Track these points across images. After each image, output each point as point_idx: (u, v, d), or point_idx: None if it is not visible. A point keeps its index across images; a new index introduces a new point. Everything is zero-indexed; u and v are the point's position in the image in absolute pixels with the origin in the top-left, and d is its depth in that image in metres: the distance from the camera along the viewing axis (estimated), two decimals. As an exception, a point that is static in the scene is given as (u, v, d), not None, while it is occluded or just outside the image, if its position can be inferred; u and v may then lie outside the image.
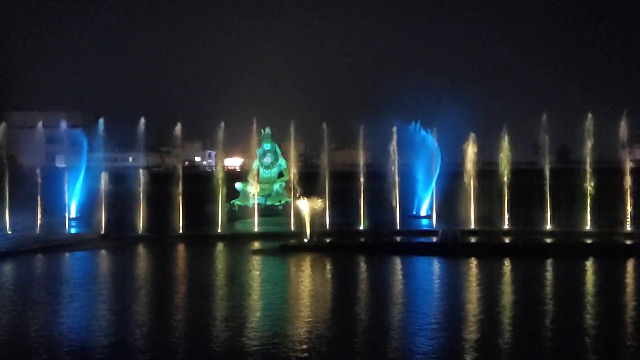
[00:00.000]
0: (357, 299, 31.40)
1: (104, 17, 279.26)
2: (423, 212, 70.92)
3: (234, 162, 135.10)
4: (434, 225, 59.66)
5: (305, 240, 49.07)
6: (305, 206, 50.04)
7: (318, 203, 50.70)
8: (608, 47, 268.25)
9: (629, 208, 57.12)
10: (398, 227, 58.84)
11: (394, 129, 65.40)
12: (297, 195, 56.78)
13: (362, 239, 53.60)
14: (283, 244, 48.52)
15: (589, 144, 60.45)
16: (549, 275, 39.26)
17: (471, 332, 24.98)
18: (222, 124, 65.15)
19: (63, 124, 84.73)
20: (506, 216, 58.77)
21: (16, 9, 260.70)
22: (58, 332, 25.11)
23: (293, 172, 61.25)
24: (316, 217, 51.11)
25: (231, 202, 72.28)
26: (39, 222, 57.84)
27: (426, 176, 70.42)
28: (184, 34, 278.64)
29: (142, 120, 67.73)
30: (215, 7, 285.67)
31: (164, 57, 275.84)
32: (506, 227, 57.64)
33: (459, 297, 31.50)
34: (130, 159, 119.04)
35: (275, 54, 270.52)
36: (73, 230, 60.15)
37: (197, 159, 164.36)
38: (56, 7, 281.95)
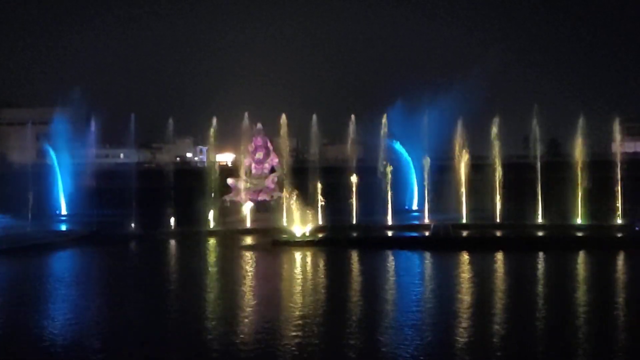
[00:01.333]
0: (348, 295, 31.42)
1: (94, 14, 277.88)
2: (414, 206, 71.20)
3: (226, 158, 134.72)
4: (426, 219, 59.77)
5: (297, 235, 49.16)
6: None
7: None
8: (598, 40, 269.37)
9: (619, 200, 57.51)
10: (390, 222, 58.99)
11: (384, 119, 65.68)
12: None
13: (354, 234, 53.71)
14: (275, 239, 48.58)
15: (579, 137, 60.84)
16: (540, 268, 39.53)
17: (461, 327, 25.08)
18: (214, 120, 65.13)
19: (54, 121, 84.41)
20: (498, 210, 59.03)
21: (6, 5, 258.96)
22: (42, 334, 24.78)
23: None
24: (308, 212, 51.20)
25: (223, 197, 72.21)
26: (30, 219, 57.62)
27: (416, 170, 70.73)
28: (175, 31, 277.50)
29: (133, 116, 67.67)
30: (206, 4, 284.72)
31: (154, 54, 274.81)
32: (498, 220, 57.93)
33: (449, 291, 31.58)
34: (122, 155, 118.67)
35: (266, 49, 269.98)
36: (64, 228, 59.94)
37: (189, 154, 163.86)
38: (46, 4, 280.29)
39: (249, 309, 28.32)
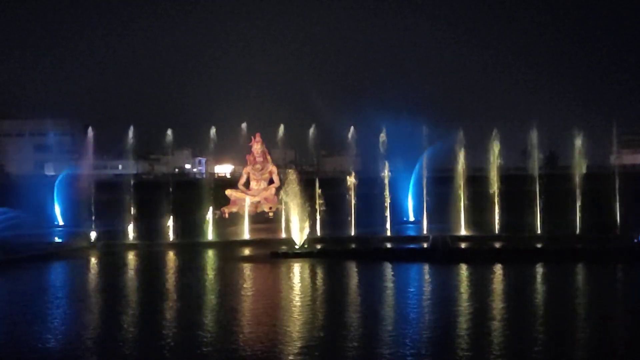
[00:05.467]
0: (347, 308, 31.27)
1: (92, 25, 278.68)
2: (412, 218, 71.11)
3: (224, 169, 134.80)
4: (425, 231, 59.61)
5: (296, 246, 49.04)
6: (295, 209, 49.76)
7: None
8: (598, 53, 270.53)
9: (618, 213, 57.42)
10: (388, 233, 58.87)
11: (383, 133, 65.76)
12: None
13: (353, 245, 53.56)
14: (274, 250, 48.43)
15: (577, 149, 60.87)
16: (539, 280, 39.46)
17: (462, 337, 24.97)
18: (213, 131, 65.11)
19: (51, 132, 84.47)
20: (496, 222, 58.93)
21: (3, 16, 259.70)
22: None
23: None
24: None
25: (221, 209, 72.05)
26: (27, 230, 57.37)
27: (414, 180, 70.65)
28: (174, 42, 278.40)
29: (132, 127, 67.57)
30: (204, 15, 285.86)
31: (153, 64, 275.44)
32: (496, 232, 57.78)
33: (448, 305, 31.46)
34: (120, 166, 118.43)
35: (265, 60, 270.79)
36: (62, 239, 59.69)
37: (187, 166, 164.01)
38: (43, 16, 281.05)
39: (247, 326, 28.02)
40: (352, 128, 67.54)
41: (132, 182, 62.12)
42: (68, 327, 27.84)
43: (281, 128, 67.86)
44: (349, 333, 25.87)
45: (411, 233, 61.79)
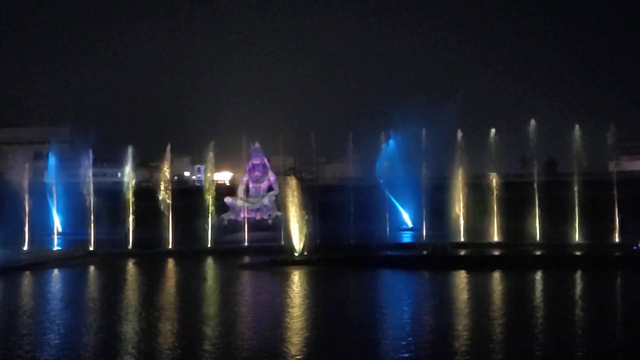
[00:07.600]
0: (348, 318, 31.20)
1: (91, 33, 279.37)
2: (411, 225, 71.14)
3: (224, 177, 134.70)
4: (424, 238, 59.60)
5: (296, 254, 48.99)
6: (294, 216, 49.77)
7: (304, 216, 50.45)
8: (594, 59, 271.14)
9: (616, 220, 57.38)
10: (388, 240, 58.81)
11: (382, 139, 65.94)
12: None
13: (352, 253, 53.46)
14: (273, 258, 48.38)
15: (576, 156, 60.90)
16: (538, 287, 39.43)
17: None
18: (211, 139, 65.16)
19: (51, 140, 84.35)
20: (495, 228, 58.92)
21: (5, 24, 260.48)
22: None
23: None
24: (306, 231, 51.02)
25: (220, 216, 72.03)
26: (26, 238, 57.40)
27: (414, 187, 70.67)
28: (172, 50, 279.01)
29: (131, 135, 67.64)
30: (204, 22, 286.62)
31: (152, 72, 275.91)
32: (495, 239, 57.78)
33: (448, 312, 31.44)
34: (119, 174, 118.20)
35: (264, 68, 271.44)
36: (61, 247, 59.65)
37: (186, 173, 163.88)
38: (42, 23, 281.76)
39: (247, 336, 27.98)
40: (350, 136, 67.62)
41: (131, 190, 61.92)
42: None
43: (280, 136, 68.02)
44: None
45: (410, 240, 61.75)
